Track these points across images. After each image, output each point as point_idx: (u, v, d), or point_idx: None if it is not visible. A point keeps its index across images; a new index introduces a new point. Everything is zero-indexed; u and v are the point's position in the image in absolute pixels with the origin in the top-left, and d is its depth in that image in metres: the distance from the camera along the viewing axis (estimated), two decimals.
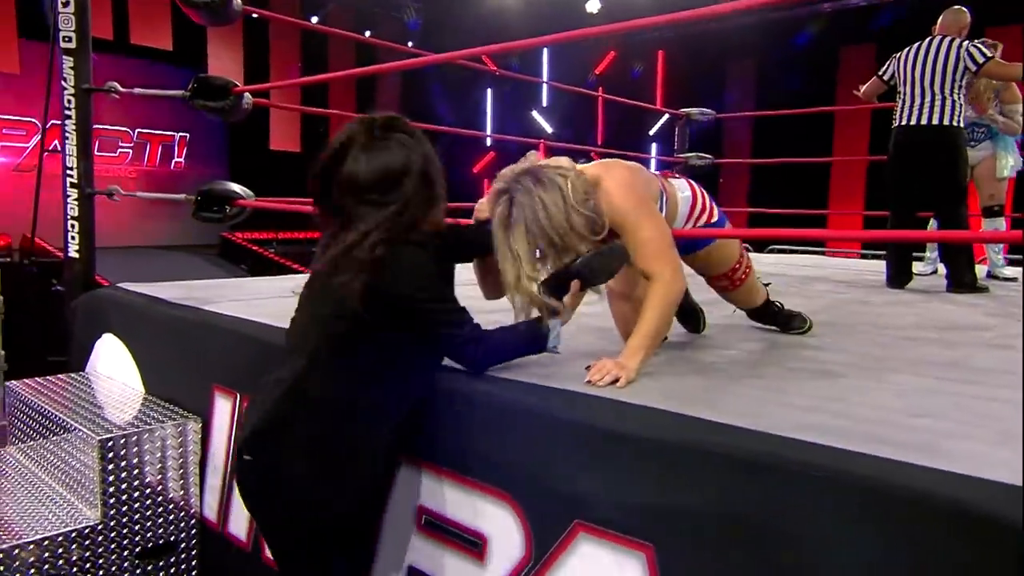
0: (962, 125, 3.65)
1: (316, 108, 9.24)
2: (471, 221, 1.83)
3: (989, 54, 3.55)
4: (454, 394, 1.62)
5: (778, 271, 4.14)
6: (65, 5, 2.96)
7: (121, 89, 3.16)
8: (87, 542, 2.07)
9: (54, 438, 2.39)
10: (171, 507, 2.26)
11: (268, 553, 1.70)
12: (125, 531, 2.16)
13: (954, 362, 1.98)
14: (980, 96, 4.07)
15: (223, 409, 2.25)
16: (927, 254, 4.55)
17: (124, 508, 2.15)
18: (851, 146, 10.27)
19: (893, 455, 1.16)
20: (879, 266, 4.19)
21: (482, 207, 1.75)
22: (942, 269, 3.87)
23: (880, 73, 3.88)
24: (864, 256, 6.86)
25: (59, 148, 3.16)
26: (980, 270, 3.87)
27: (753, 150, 11.54)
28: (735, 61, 12.08)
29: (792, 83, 10.67)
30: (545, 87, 13.85)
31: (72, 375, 2.88)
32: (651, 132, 12.86)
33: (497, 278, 1.65)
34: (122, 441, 2.14)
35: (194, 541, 2.32)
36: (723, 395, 1.57)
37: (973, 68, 3.55)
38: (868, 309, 3.02)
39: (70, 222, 3.09)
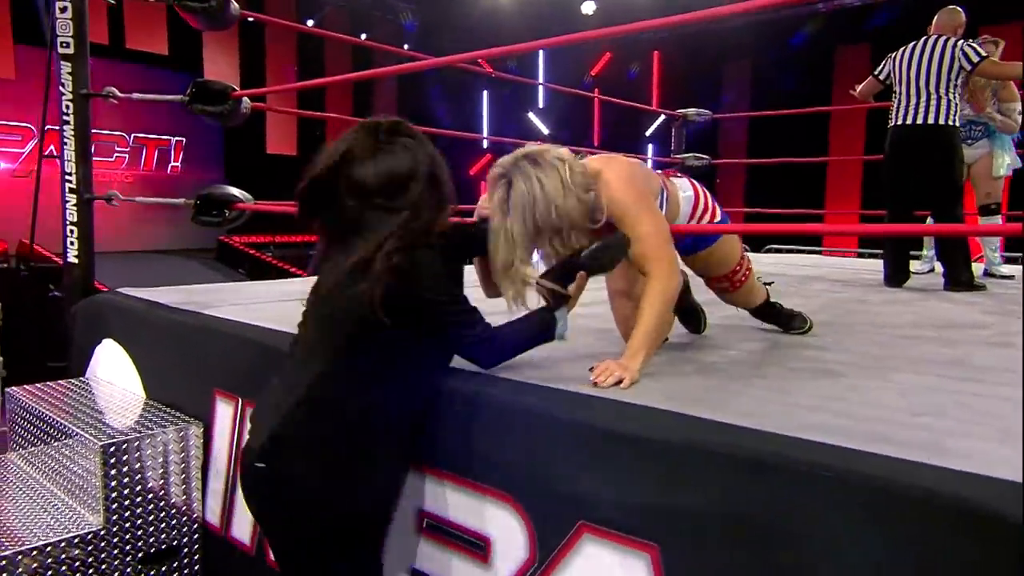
0: (958, 124, 3.66)
1: (313, 111, 9.25)
2: (474, 219, 1.83)
3: (984, 53, 3.56)
4: (454, 395, 1.62)
5: (776, 271, 4.14)
6: (63, 11, 2.96)
7: (120, 94, 3.15)
8: (90, 548, 2.07)
9: (56, 444, 2.39)
10: (173, 512, 2.26)
11: (272, 557, 1.70)
12: (128, 536, 2.16)
13: (954, 360, 1.99)
14: (978, 94, 4.08)
15: (224, 413, 2.25)
16: (924, 252, 4.57)
17: (126, 513, 2.15)
18: (847, 146, 10.30)
19: (897, 454, 1.16)
20: (876, 265, 4.21)
21: (484, 204, 1.75)
22: (939, 267, 3.88)
23: (875, 73, 3.89)
24: (861, 255, 6.88)
25: (55, 153, 3.15)
26: (977, 268, 3.89)
27: (749, 150, 11.57)
28: (731, 61, 12.12)
29: (788, 83, 10.71)
30: (541, 89, 13.88)
31: (73, 380, 2.87)
32: (647, 133, 12.90)
33: None
34: (124, 446, 2.14)
35: (197, 546, 2.32)
36: (725, 395, 1.58)
37: (968, 67, 3.57)
38: (866, 308, 3.03)
39: (69, 227, 3.08)
